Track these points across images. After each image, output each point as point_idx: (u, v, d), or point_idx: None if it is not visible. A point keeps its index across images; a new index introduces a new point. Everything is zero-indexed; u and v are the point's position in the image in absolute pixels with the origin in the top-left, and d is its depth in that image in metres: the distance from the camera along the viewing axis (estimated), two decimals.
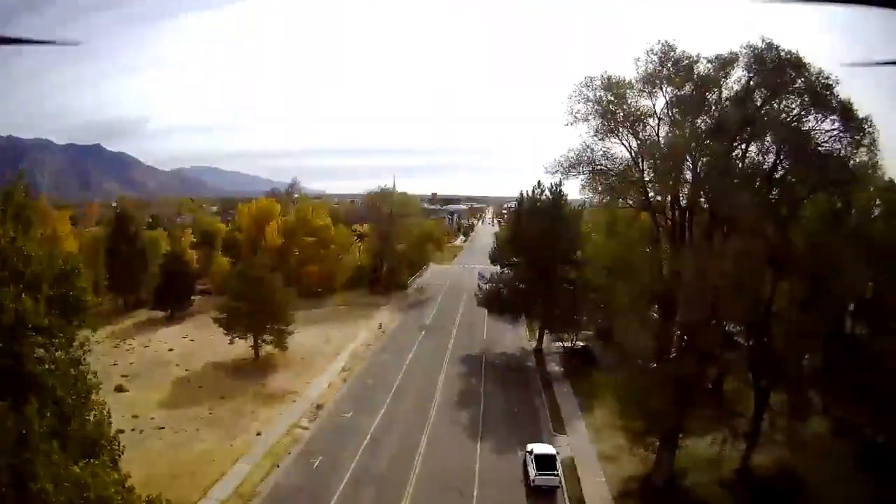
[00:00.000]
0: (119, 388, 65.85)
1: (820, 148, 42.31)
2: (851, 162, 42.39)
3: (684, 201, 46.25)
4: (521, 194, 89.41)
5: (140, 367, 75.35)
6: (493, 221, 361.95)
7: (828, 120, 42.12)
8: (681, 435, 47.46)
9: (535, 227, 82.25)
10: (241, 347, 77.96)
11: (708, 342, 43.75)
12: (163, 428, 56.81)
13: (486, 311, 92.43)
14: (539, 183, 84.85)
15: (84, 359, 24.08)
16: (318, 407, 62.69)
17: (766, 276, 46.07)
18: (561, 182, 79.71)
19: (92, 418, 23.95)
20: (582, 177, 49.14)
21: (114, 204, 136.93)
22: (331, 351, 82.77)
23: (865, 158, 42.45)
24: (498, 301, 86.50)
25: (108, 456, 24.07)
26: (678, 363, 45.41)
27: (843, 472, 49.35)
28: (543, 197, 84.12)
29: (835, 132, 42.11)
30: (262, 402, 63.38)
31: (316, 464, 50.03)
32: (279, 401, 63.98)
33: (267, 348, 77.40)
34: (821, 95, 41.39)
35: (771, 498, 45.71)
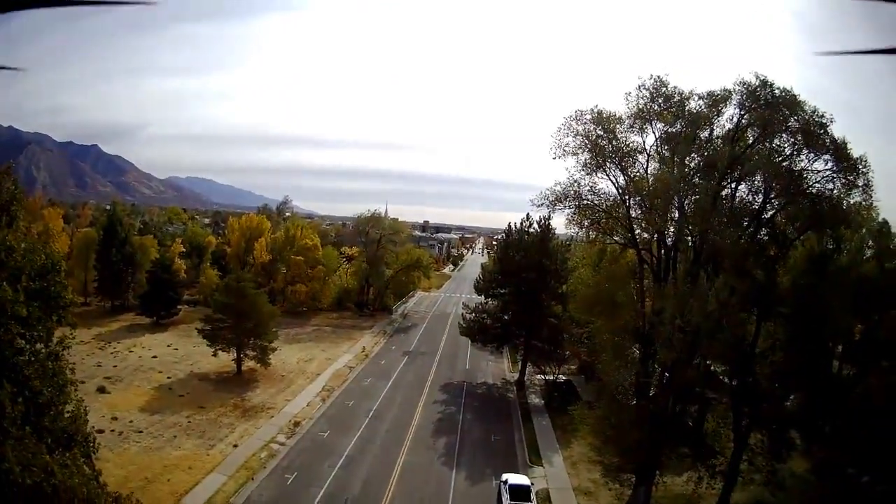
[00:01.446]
0: (101, 390, 65.68)
1: (811, 189, 41.81)
2: (844, 203, 41.80)
3: (670, 239, 45.83)
4: (510, 226, 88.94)
5: (123, 371, 75.01)
6: (482, 252, 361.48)
7: (820, 159, 41.66)
8: (657, 472, 46.73)
9: (522, 259, 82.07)
10: (224, 360, 77.72)
11: (688, 380, 43.04)
12: (141, 432, 56.28)
13: (469, 341, 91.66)
14: (528, 216, 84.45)
15: (63, 354, 23.82)
16: (296, 424, 61.98)
17: (751, 317, 45.61)
18: (549, 215, 78.79)
19: (67, 413, 23.72)
20: (568, 211, 48.25)
21: (107, 207, 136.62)
22: (312, 370, 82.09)
23: (859, 199, 41.86)
24: (481, 331, 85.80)
25: (82, 451, 23.68)
26: (656, 399, 44.95)
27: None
28: (531, 230, 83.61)
29: (828, 172, 41.58)
30: (242, 415, 62.66)
31: (290, 480, 49.30)
32: (258, 415, 63.27)
33: (249, 363, 76.89)
34: (814, 135, 40.93)
35: None
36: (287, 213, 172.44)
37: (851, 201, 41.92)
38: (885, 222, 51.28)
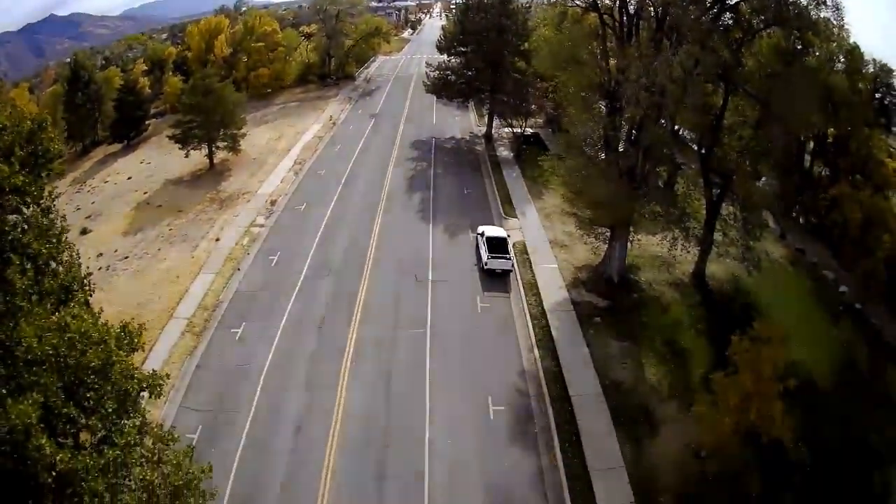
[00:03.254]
0: (84, 231, 63.55)
1: None
2: (812, 14, 39.12)
3: (632, 7, 43.00)
4: None
5: (101, 204, 72.70)
6: (440, 15, 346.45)
7: None
8: (632, 228, 46.56)
9: (482, 19, 77.67)
10: (197, 159, 75.78)
11: (656, 138, 42.05)
12: (127, 257, 55.13)
13: (434, 98, 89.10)
14: None
15: (53, 206, 22.91)
16: (273, 203, 61.19)
17: (717, 90, 44.16)
18: None
19: (63, 266, 23.02)
20: None
21: (67, 60, 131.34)
22: (283, 147, 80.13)
23: (829, 15, 39.16)
24: (446, 88, 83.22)
25: (82, 297, 23.41)
26: (625, 154, 44.08)
27: (796, 296, 49.88)
28: None
29: None
30: (220, 208, 61.74)
31: (274, 261, 49.31)
32: (235, 203, 62.27)
33: (221, 155, 75.29)
34: None
35: (723, 307, 45.59)
36: (244, 9, 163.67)
37: (820, 15, 39.31)
38: (857, 46, 50.92)
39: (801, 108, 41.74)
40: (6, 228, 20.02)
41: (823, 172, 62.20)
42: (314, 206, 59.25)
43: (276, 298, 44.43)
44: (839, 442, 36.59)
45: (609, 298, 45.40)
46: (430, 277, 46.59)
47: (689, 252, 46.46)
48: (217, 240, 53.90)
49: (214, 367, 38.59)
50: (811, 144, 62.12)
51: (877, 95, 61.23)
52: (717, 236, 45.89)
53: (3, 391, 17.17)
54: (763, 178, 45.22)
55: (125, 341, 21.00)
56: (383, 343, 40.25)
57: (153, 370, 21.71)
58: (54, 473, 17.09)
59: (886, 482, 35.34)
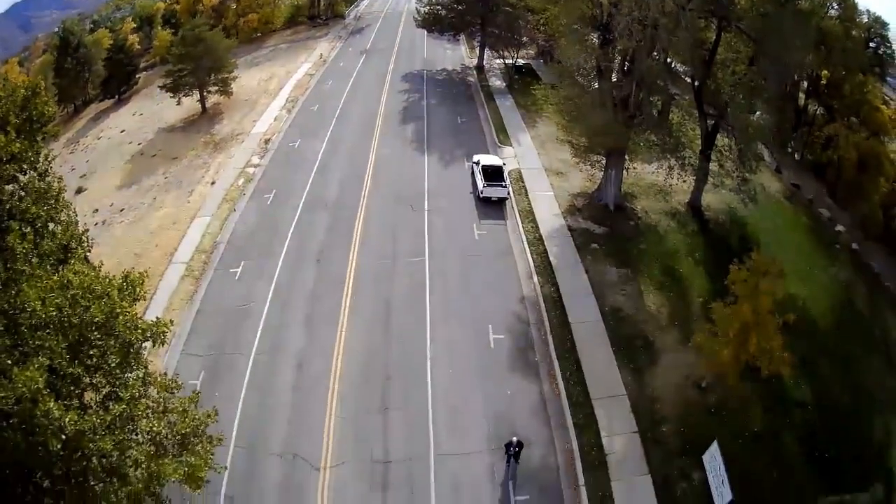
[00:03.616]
0: (79, 191, 62.49)
1: None
2: None
3: None
4: None
5: (95, 162, 71.59)
6: None
7: None
8: (627, 156, 46.04)
9: None
10: (189, 106, 74.37)
11: (649, 69, 41.27)
12: (123, 209, 54.50)
13: (425, 33, 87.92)
14: None
15: (50, 168, 23.19)
16: (267, 142, 60.39)
17: (710, 26, 43.23)
18: None
19: (60, 227, 23.11)
20: None
21: (56, 29, 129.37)
22: (274, 88, 78.61)
23: None
24: (437, 22, 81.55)
25: (81, 253, 23.53)
26: (619, 85, 43.50)
27: (793, 232, 49.60)
28: None
29: None
30: (214, 151, 60.95)
31: (270, 199, 48.94)
32: (229, 145, 61.38)
33: (213, 99, 74.16)
34: None
35: (720, 237, 45.44)
36: None
37: None
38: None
39: (794, 49, 41.25)
40: (3, 198, 20.28)
41: (818, 111, 61.95)
42: (308, 141, 58.53)
43: (273, 235, 44.15)
44: (839, 384, 36.66)
45: (606, 225, 45.18)
46: (427, 207, 46.33)
47: (684, 181, 46.04)
48: (212, 183, 53.24)
49: (214, 310, 38.37)
50: (805, 84, 61.65)
51: (871, 45, 61.00)
52: (713, 167, 45.40)
53: (9, 362, 17.10)
54: (757, 112, 44.40)
55: (127, 292, 20.99)
56: (382, 273, 40.13)
57: (157, 318, 21.65)
58: (63, 437, 17.00)
59: (886, 430, 35.40)
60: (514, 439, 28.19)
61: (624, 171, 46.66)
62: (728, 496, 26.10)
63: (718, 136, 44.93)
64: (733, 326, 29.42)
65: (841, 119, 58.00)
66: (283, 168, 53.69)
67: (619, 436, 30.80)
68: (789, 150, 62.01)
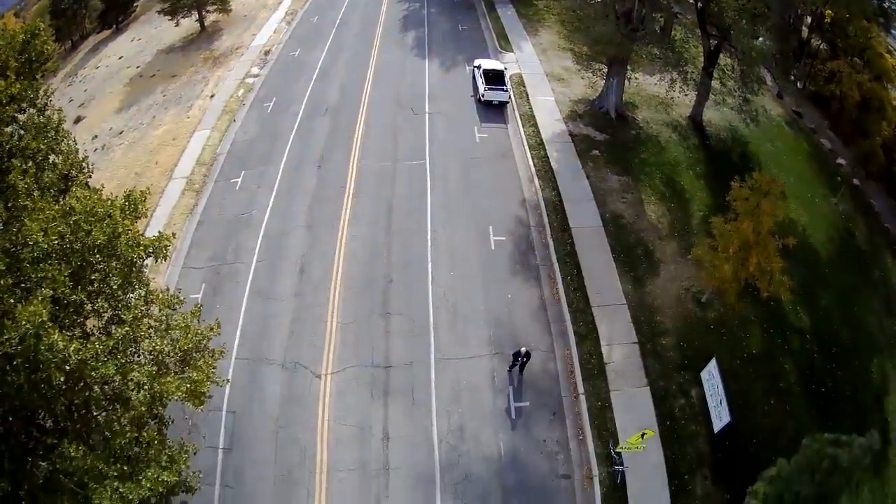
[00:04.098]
0: (77, 120, 60.79)
1: None
2: None
3: None
4: None
5: (94, 90, 69.83)
6: None
7: None
8: (629, 66, 45.20)
9: None
10: (188, 26, 72.45)
11: None
12: (122, 132, 53.34)
13: None
14: None
15: (49, 102, 22.87)
16: (267, 53, 59.28)
17: None
18: None
19: (61, 157, 22.96)
20: None
21: None
22: (273, 1, 75.90)
23: None
24: None
25: (82, 179, 23.50)
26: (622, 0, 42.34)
27: (794, 157, 48.79)
28: None
29: None
30: (213, 66, 59.64)
31: (270, 107, 48.27)
32: (228, 59, 60.02)
33: (212, 17, 72.29)
34: None
35: (721, 153, 44.87)
36: None
37: None
38: None
39: None
40: (3, 140, 20.09)
41: (822, 46, 60.64)
42: (308, 51, 57.46)
43: (273, 143, 43.60)
44: (838, 318, 36.54)
45: (607, 133, 44.58)
46: (428, 110, 45.67)
47: (686, 95, 45.12)
48: (212, 96, 52.30)
49: (215, 221, 38.13)
50: (809, 20, 60.17)
51: None
52: (715, 84, 44.52)
53: (11, 300, 16.83)
54: (760, 38, 43.21)
55: (130, 210, 20.76)
56: (383, 177, 39.81)
57: (159, 232, 21.46)
58: (67, 368, 16.81)
59: (884, 375, 35.31)
60: (523, 349, 28.19)
61: (626, 81, 45.94)
62: (727, 418, 26.06)
63: (721, 55, 44.05)
64: (733, 243, 29.08)
65: (844, 58, 56.71)
66: (283, 77, 52.73)
67: (619, 346, 30.86)
68: (791, 78, 60.59)
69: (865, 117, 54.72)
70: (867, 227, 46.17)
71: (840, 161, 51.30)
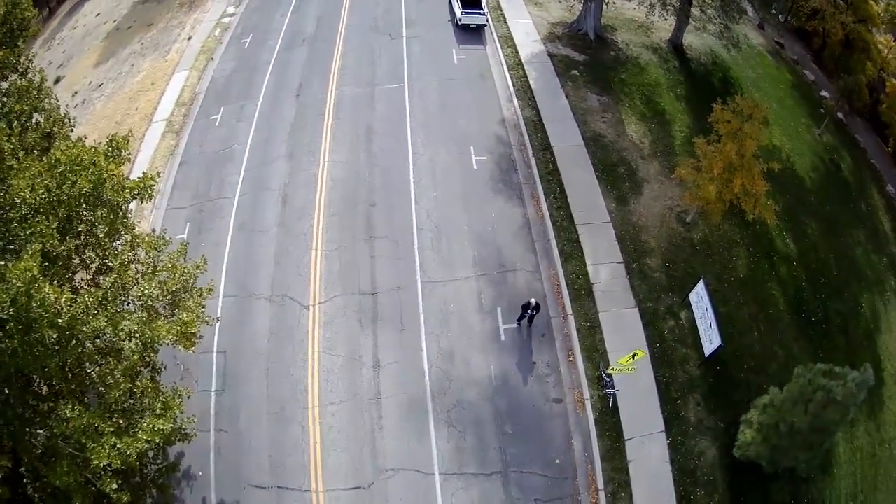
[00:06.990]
0: (57, 80, 58.01)
1: None
2: None
3: None
4: None
5: (72, 49, 67.02)
6: None
7: None
8: None
9: None
10: None
11: None
12: (101, 84, 51.54)
13: None
14: None
15: (31, 66, 23.24)
16: None
17: None
18: None
19: (43, 115, 22.74)
20: None
21: None
22: None
23: None
24: None
25: (65, 132, 23.23)
26: None
27: (776, 85, 47.56)
28: None
29: None
30: (189, 10, 57.39)
31: (247, 42, 46.74)
32: (204, 1, 57.36)
33: None
34: None
35: (702, 77, 44.07)
36: None
37: None
38: None
39: None
40: None
41: None
42: None
43: (251, 77, 42.34)
44: (825, 247, 36.00)
45: (586, 53, 43.56)
46: (405, 35, 44.48)
47: (665, 20, 44.28)
48: (189, 38, 50.59)
49: (197, 159, 37.09)
50: None
51: None
52: (695, 11, 43.37)
53: (1, 262, 16.07)
54: None
55: (113, 154, 20.36)
56: (362, 101, 38.85)
57: (143, 173, 20.88)
58: (59, 323, 16.18)
59: (874, 310, 34.82)
60: (533, 301, 27.22)
61: (604, 5, 44.82)
62: (717, 341, 25.59)
63: None
64: (717, 164, 28.38)
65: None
66: (260, 13, 50.99)
67: (605, 265, 30.33)
68: (773, 11, 58.58)
69: (849, 55, 53.78)
70: (853, 160, 45.42)
71: (824, 94, 50.08)
